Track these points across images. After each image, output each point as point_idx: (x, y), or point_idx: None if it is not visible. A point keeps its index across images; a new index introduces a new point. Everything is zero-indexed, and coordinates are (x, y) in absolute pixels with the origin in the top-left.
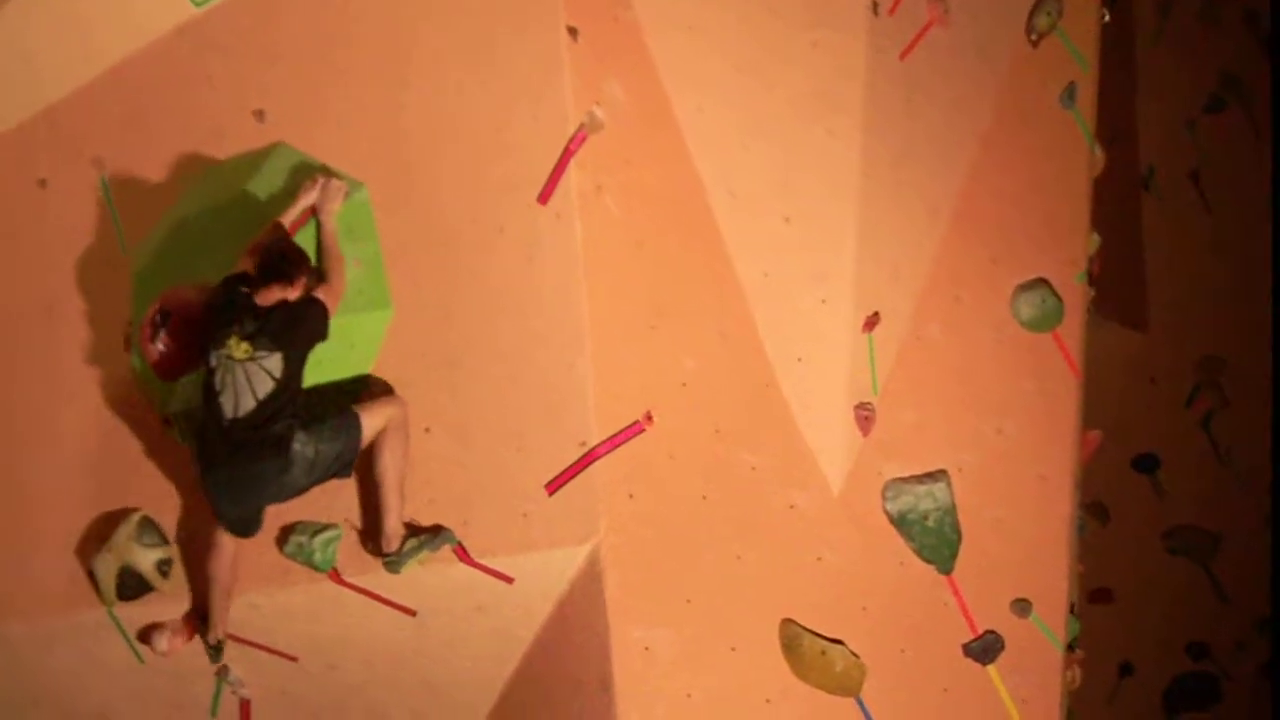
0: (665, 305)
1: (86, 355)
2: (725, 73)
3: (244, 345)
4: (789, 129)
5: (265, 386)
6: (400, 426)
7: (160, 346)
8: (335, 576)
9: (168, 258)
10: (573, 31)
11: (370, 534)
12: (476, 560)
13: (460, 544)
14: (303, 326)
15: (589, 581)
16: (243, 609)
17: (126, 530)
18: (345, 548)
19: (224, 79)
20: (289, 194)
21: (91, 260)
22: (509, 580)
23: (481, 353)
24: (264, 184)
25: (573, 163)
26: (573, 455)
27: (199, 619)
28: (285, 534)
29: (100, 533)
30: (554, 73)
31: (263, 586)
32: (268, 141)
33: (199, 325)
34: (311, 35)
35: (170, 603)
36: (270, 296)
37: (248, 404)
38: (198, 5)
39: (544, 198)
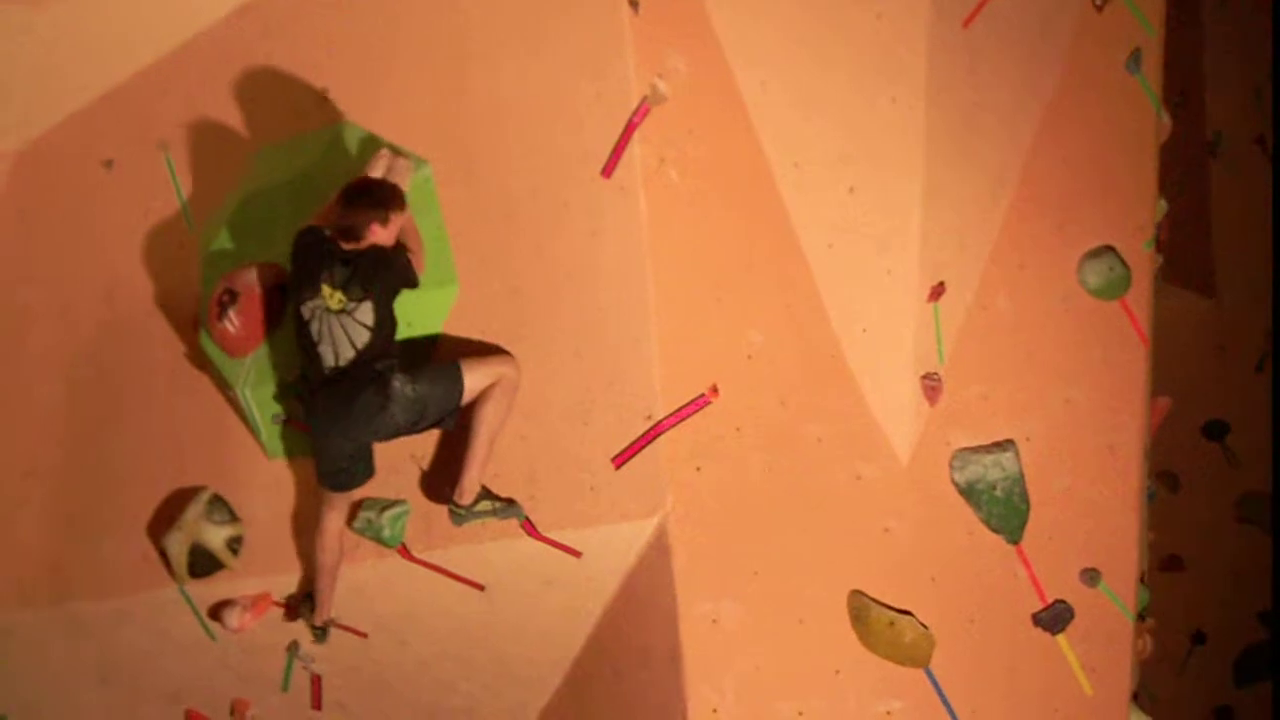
0: (730, 278)
1: (154, 334)
2: (787, 44)
3: (337, 295)
4: (852, 99)
5: (362, 336)
6: (510, 386)
7: (228, 325)
8: (404, 552)
9: (235, 236)
10: (634, 4)
11: (448, 481)
12: (544, 535)
13: (528, 519)
14: (391, 270)
15: (656, 555)
16: None
17: (196, 508)
18: (414, 523)
19: (286, 59)
20: (354, 171)
21: (158, 240)
22: (577, 554)
23: (546, 327)
24: (329, 161)
25: (636, 136)
26: (639, 429)
27: (302, 599)
28: (353, 510)
29: (170, 511)
30: (616, 46)
31: None
32: (330, 120)
33: (266, 302)
34: (372, 14)
35: (241, 580)
36: (364, 232)
37: (347, 354)
38: None
39: (607, 171)
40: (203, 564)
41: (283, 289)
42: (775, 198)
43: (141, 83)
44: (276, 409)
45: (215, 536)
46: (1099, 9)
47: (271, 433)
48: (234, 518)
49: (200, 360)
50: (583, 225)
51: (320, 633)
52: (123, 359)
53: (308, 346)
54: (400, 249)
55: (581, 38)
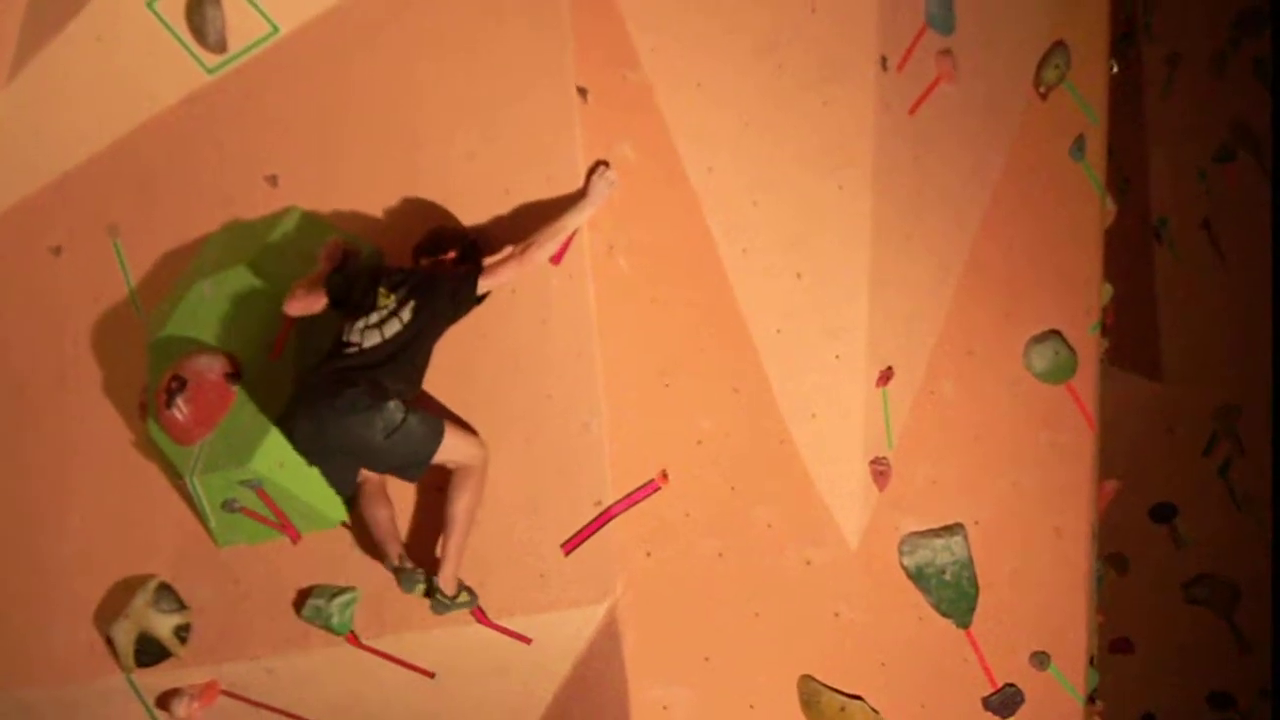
0: (679, 363)
1: (102, 422)
2: (735, 130)
3: (387, 295)
4: (800, 185)
5: (393, 328)
6: (480, 472)
7: (176, 412)
8: (353, 639)
9: (183, 323)
10: (583, 92)
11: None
12: (494, 621)
13: (478, 605)
14: (445, 284)
15: (607, 641)
16: (259, 674)
17: (144, 596)
18: (362, 610)
19: (235, 145)
20: (303, 257)
21: (107, 327)
22: (527, 641)
23: (496, 414)
24: (277, 247)
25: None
26: (589, 515)
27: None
28: (302, 597)
29: (118, 599)
30: (565, 134)
31: (280, 650)
32: (279, 206)
33: (214, 390)
34: (322, 101)
35: (189, 669)
36: (438, 249)
37: (374, 339)
38: (210, 72)
39: (556, 258)
40: (150, 652)
41: (231, 376)
42: (724, 283)
43: (91, 169)
44: (226, 496)
45: (163, 625)
46: (1043, 97)
47: (220, 520)
48: (182, 606)
49: (148, 448)
50: (532, 312)
51: (402, 574)
52: (69, 444)
53: (337, 337)
54: (468, 271)
55: (530, 126)
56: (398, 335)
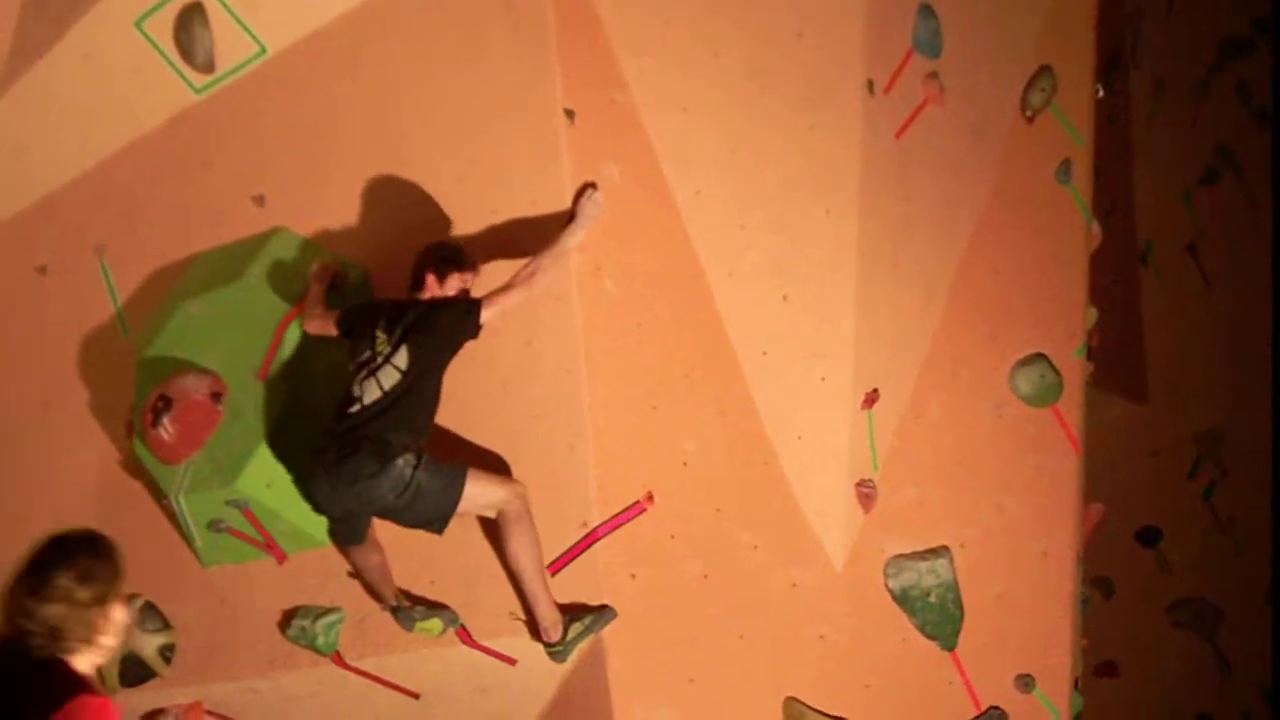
0: (665, 385)
1: (88, 440)
2: (722, 153)
3: (383, 338)
4: (786, 208)
5: (392, 379)
6: (520, 516)
7: (163, 432)
8: (338, 660)
9: (169, 343)
10: (570, 114)
11: (532, 628)
12: (479, 642)
13: (463, 626)
14: (444, 318)
15: (592, 662)
16: (245, 693)
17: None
18: (348, 630)
19: (222, 165)
20: (288, 277)
21: (93, 346)
22: (511, 662)
23: (482, 435)
24: (263, 268)
25: None
26: (574, 536)
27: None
28: (288, 618)
29: None
30: (552, 156)
31: (266, 670)
32: (266, 226)
33: (200, 411)
34: (310, 121)
35: (173, 688)
36: (421, 279)
37: (374, 394)
38: (198, 92)
39: None
40: (134, 672)
41: (217, 396)
42: (710, 306)
43: (78, 188)
44: (212, 516)
45: (147, 644)
46: (1029, 120)
47: (206, 540)
48: (166, 625)
49: (134, 467)
50: (518, 333)
51: (396, 612)
52: (55, 463)
53: (344, 393)
54: (467, 303)
55: (517, 147)
56: (396, 386)
